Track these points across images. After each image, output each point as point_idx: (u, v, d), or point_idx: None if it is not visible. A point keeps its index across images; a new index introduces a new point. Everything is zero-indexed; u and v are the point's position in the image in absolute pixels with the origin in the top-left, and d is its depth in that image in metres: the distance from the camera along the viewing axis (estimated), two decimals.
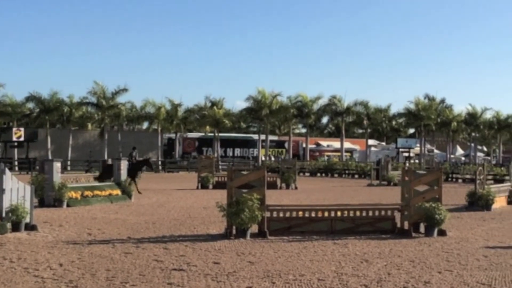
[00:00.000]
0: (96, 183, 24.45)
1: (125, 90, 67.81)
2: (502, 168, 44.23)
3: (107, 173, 26.65)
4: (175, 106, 72.18)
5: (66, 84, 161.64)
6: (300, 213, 14.94)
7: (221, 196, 17.15)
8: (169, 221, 17.33)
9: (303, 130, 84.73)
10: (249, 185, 14.68)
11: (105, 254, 11.51)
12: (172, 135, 75.92)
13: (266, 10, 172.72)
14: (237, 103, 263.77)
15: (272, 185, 32.25)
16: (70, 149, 65.74)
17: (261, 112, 71.00)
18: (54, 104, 66.81)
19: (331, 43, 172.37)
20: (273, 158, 72.72)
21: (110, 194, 23.37)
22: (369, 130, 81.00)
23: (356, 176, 50.55)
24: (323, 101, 75.42)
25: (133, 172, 28.11)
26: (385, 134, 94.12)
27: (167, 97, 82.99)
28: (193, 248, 12.33)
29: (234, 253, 11.85)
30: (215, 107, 72.17)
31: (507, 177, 29.38)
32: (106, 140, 66.53)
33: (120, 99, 68.91)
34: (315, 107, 75.12)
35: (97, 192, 22.92)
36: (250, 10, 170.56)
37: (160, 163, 63.73)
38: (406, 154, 77.77)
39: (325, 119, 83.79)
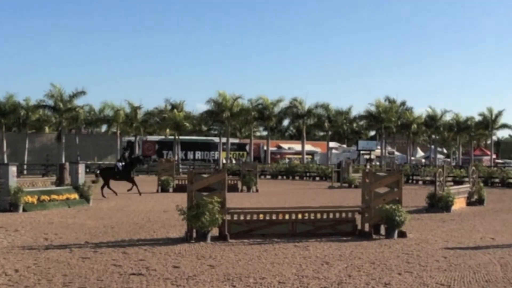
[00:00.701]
0: (53, 187, 24.10)
1: (83, 92, 67.15)
2: (462, 170, 44.91)
3: (106, 178, 27.46)
4: (135, 109, 71.71)
5: (22, 87, 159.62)
6: (261, 216, 14.94)
7: (182, 199, 17.09)
8: (128, 225, 17.19)
9: (264, 133, 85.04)
10: (210, 188, 14.65)
11: (62, 259, 11.36)
12: (132, 138, 75.38)
13: (227, 12, 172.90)
14: (197, 106, 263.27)
15: (233, 188, 32.24)
16: (26, 152, 64.88)
17: (222, 115, 70.94)
18: (9, 107, 65.90)
19: (292, 45, 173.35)
20: (234, 161, 72.72)
21: (67, 198, 23.06)
22: (330, 133, 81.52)
23: (317, 178, 50.75)
24: (284, 104, 75.74)
25: (127, 174, 28.78)
26: (346, 137, 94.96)
27: (126, 99, 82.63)
28: (153, 252, 12.24)
29: (194, 256, 11.80)
30: (175, 110, 71.88)
31: (466, 179, 29.81)
32: (63, 144, 65.75)
33: (78, 102, 68.24)
34: (276, 109, 75.31)
35: (54, 196, 22.59)
36: (210, 12, 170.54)
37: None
38: (367, 156, 78.55)
39: (286, 122, 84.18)
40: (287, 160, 74.79)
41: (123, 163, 29.36)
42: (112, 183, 28.39)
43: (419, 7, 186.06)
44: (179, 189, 31.82)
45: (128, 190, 28.91)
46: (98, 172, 30.70)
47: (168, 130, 76.41)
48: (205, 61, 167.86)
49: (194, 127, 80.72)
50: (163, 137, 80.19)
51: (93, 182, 30.05)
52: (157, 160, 49.18)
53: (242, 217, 14.70)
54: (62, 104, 65.95)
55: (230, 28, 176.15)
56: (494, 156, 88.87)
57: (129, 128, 72.05)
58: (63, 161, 53.89)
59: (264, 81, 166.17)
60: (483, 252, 12.64)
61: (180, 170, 56.44)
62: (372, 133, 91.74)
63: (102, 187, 28.04)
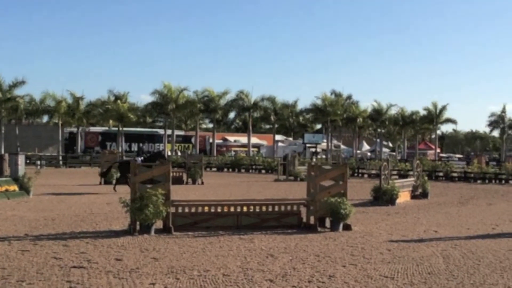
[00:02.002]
0: None
1: (23, 82, 65.70)
2: (407, 164, 45.63)
3: (124, 173, 26.38)
4: (77, 100, 70.61)
5: None
6: (206, 208, 14.92)
7: (125, 191, 16.93)
8: (70, 217, 16.94)
9: (210, 125, 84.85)
10: (154, 180, 14.56)
11: (1, 252, 11.13)
12: (74, 129, 74.28)
13: (172, 4, 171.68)
14: (142, 97, 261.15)
15: (178, 181, 32.17)
16: None
17: (167, 106, 70.55)
18: None
19: (238, 37, 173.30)
20: (179, 153, 72.40)
21: (7, 190, 22.57)
22: (276, 126, 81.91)
23: (263, 171, 50.93)
24: (230, 96, 75.76)
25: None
26: (292, 130, 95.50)
27: (68, 90, 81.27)
28: (95, 245, 12.10)
29: (137, 249, 11.71)
30: (119, 101, 71.09)
31: (411, 172, 30.33)
32: (2, 134, 64.36)
33: (18, 91, 66.64)
34: (222, 102, 75.28)
35: None
36: (154, 3, 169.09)
37: (60, 158, 62.17)
38: (313, 150, 79.19)
39: (232, 114, 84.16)
40: (233, 153, 74.86)
41: (142, 158, 28.54)
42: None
43: (364, 2, 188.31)
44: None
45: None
46: (117, 164, 29.37)
47: (111, 121, 75.55)
48: (150, 53, 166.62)
49: (139, 119, 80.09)
50: (106, 128, 79.28)
51: (102, 175, 29.50)
52: (100, 152, 48.56)
53: (186, 210, 14.66)
54: (1, 94, 64.45)
55: (175, 20, 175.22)
56: (438, 150, 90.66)
57: (71, 119, 70.90)
58: (3, 152, 52.78)
59: (210, 73, 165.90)
60: (426, 245, 12.88)
61: None
62: (318, 126, 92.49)
63: (117, 181, 27.50)
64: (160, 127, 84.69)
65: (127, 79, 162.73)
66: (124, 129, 72.54)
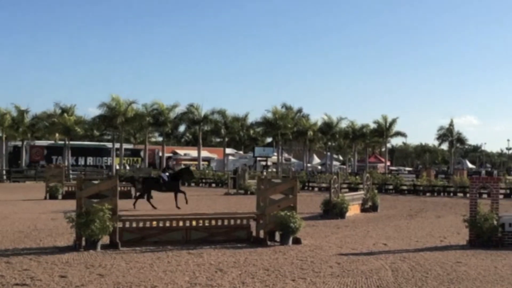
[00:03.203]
0: None
1: None
2: (357, 177, 46.08)
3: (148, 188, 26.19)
4: (22, 113, 69.30)
5: None
6: (154, 223, 14.82)
7: (71, 206, 16.69)
8: (13, 233, 16.61)
9: (160, 139, 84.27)
10: (101, 195, 14.39)
11: None
12: (19, 143, 72.89)
13: (119, 15, 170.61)
14: (89, 110, 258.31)
15: (127, 195, 31.78)
16: None
17: (115, 119, 69.74)
18: None
19: (188, 51, 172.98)
20: (128, 167, 71.65)
21: None
22: (226, 139, 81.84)
23: (213, 185, 50.80)
24: (180, 109, 75.39)
25: (175, 186, 26.90)
26: (242, 143, 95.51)
27: (13, 103, 79.75)
28: (38, 262, 11.88)
29: (83, 265, 11.54)
30: (65, 114, 70.06)
31: (361, 186, 30.65)
32: None
33: None
34: (172, 115, 74.86)
35: None
36: (99, 12, 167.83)
37: (4, 172, 60.92)
38: (264, 163, 79.32)
39: (182, 128, 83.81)
40: (182, 166, 74.44)
41: (167, 173, 27.72)
42: None
43: (311, 13, 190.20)
44: (68, 196, 30.99)
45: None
46: (140, 179, 28.85)
47: (57, 134, 74.36)
48: (99, 65, 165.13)
49: (86, 132, 79.00)
50: (52, 142, 78.02)
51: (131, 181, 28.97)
52: (46, 166, 47.76)
53: (134, 225, 14.53)
54: None
55: (122, 31, 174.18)
56: (388, 163, 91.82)
57: (15, 132, 69.53)
58: None
59: (160, 86, 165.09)
60: (376, 258, 13.02)
61: (71, 176, 55.07)
62: (269, 139, 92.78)
63: (139, 197, 26.83)
64: (108, 141, 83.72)
65: (74, 92, 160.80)
66: (71, 142, 71.50)
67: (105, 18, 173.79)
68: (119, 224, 14.09)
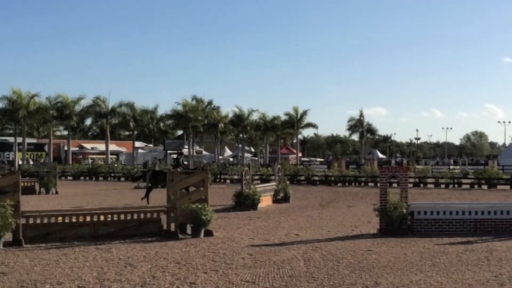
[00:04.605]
0: None
1: None
2: (269, 168, 46.41)
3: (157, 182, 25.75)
4: None
5: None
6: (60, 218, 14.51)
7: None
8: None
9: (65, 132, 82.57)
10: (2, 191, 13.95)
11: None
12: None
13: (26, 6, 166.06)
14: None
15: (30, 190, 31.03)
16: None
17: (17, 113, 67.75)
18: None
19: (95, 42, 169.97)
20: (31, 162, 69.83)
21: None
22: (136, 132, 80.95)
23: (123, 179, 50.14)
24: (86, 102, 74.03)
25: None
26: (152, 136, 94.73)
27: None
28: None
29: None
30: None
31: (273, 177, 30.88)
32: None
33: None
34: (78, 108, 73.45)
35: None
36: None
37: None
38: (175, 156, 78.89)
39: (89, 121, 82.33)
40: (90, 161, 73.20)
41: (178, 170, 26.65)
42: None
43: (223, 8, 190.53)
44: None
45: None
46: (150, 173, 28.19)
47: None
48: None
49: None
50: None
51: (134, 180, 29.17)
52: None
53: (38, 221, 14.18)
54: None
55: (30, 19, 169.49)
56: (300, 154, 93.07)
57: None
58: None
59: (64, 78, 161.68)
60: (288, 248, 13.17)
61: None
62: (180, 132, 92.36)
63: (149, 191, 25.96)
64: (10, 135, 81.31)
65: None
66: None
67: (9, 3, 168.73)
68: (22, 221, 13.72)
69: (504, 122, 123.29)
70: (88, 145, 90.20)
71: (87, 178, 52.25)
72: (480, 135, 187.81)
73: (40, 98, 70.22)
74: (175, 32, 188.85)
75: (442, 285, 9.51)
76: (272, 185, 26.77)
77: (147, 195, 25.57)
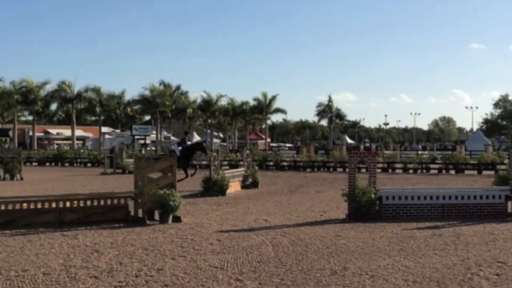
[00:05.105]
0: None
1: None
2: (237, 154, 46.43)
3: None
4: None
5: None
6: (25, 204, 14.37)
7: None
8: None
9: (30, 118, 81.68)
10: None
11: None
12: None
13: None
14: None
15: None
16: None
17: None
18: None
19: (58, 26, 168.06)
20: None
21: None
22: (102, 117, 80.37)
23: (89, 164, 49.85)
24: (51, 87, 73.32)
25: (186, 161, 26.49)
26: (120, 121, 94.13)
27: None
28: None
29: None
30: None
31: (241, 162, 30.91)
32: None
33: None
34: (43, 93, 72.76)
35: None
36: None
37: None
38: (142, 142, 78.54)
39: (54, 106, 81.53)
40: (55, 146, 72.55)
41: (180, 148, 27.03)
42: None
43: None
44: None
45: (192, 175, 26.76)
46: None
47: None
48: None
49: None
50: None
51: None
52: None
53: (3, 207, 14.06)
54: None
55: None
56: (269, 140, 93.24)
57: None
58: None
59: (29, 63, 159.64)
60: (256, 234, 13.20)
61: None
62: (147, 117, 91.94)
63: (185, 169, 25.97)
64: None
65: None
66: None
67: None
68: None
69: (471, 107, 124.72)
70: (53, 131, 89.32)
71: (53, 164, 51.84)
72: (448, 121, 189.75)
73: (3, 82, 69.49)
74: (142, 15, 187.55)
75: (409, 269, 9.62)
76: (240, 170, 26.79)
77: (188, 173, 26.35)
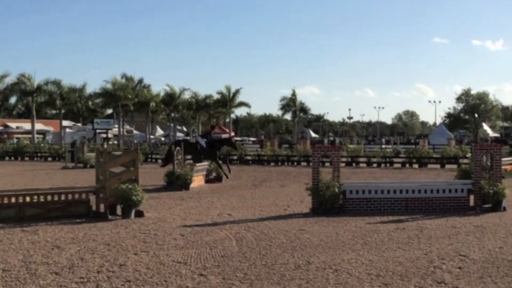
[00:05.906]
0: None
1: None
2: None
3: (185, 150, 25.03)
4: None
5: None
6: None
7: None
8: None
9: None
10: None
11: None
12: None
13: None
14: None
15: None
16: None
17: None
18: None
19: (19, 18, 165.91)
20: None
21: None
22: (63, 111, 79.55)
23: (50, 159, 49.29)
24: (10, 80, 72.37)
25: (213, 154, 26.34)
26: (81, 115, 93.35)
27: None
28: None
29: None
30: None
31: None
32: None
33: None
34: (1, 86, 71.80)
35: None
36: None
37: None
38: (104, 135, 77.97)
39: (13, 99, 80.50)
40: (15, 140, 71.62)
41: (205, 140, 26.78)
42: None
43: None
44: None
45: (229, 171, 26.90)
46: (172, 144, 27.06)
47: None
48: None
49: None
50: None
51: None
52: None
53: None
54: None
55: None
56: (232, 134, 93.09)
57: None
58: None
59: None
60: (220, 228, 13.20)
61: None
62: (109, 111, 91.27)
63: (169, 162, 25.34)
64: None
65: None
66: None
67: None
68: None
69: (434, 101, 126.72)
70: (13, 124, 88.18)
71: (12, 158, 51.18)
72: (412, 115, 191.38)
73: None
74: (103, 7, 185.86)
75: (373, 263, 9.70)
76: (204, 164, 26.73)
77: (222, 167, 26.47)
